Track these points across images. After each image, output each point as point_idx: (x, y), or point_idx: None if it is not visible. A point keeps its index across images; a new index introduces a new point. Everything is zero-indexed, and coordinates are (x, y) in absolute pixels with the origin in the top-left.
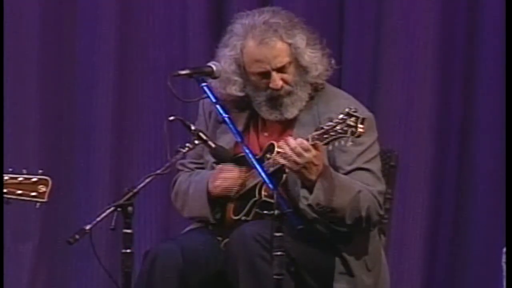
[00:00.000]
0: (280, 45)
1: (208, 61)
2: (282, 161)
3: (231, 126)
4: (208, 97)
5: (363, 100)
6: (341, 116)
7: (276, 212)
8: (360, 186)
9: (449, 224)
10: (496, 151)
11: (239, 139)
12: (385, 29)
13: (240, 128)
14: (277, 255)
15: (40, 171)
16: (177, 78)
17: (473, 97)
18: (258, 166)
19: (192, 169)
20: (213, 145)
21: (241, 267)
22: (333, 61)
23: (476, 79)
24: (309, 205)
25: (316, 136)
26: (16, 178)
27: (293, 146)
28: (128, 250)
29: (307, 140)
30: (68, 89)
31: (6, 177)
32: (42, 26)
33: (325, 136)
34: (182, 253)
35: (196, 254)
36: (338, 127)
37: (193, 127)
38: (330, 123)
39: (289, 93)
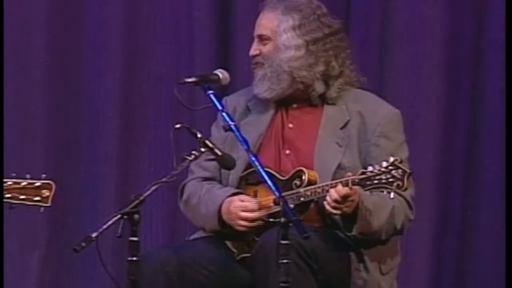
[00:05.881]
0: (272, 16)
1: (215, 69)
2: (327, 207)
3: (237, 133)
4: (214, 105)
5: None
6: (385, 164)
7: (282, 219)
8: (392, 200)
9: (456, 227)
10: (503, 154)
11: (245, 147)
12: (391, 30)
13: (266, 119)
14: (284, 263)
15: (43, 175)
16: (183, 85)
17: (480, 98)
18: (265, 176)
19: (203, 178)
20: (219, 153)
21: (272, 269)
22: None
23: (483, 80)
24: (352, 235)
25: (356, 181)
26: (19, 183)
27: (334, 198)
28: (134, 258)
29: (347, 183)
30: (74, 96)
31: (9, 182)
32: (48, 33)
33: (368, 182)
34: (178, 261)
35: (196, 265)
36: (383, 177)
37: (199, 135)
38: (373, 171)
39: (260, 66)
